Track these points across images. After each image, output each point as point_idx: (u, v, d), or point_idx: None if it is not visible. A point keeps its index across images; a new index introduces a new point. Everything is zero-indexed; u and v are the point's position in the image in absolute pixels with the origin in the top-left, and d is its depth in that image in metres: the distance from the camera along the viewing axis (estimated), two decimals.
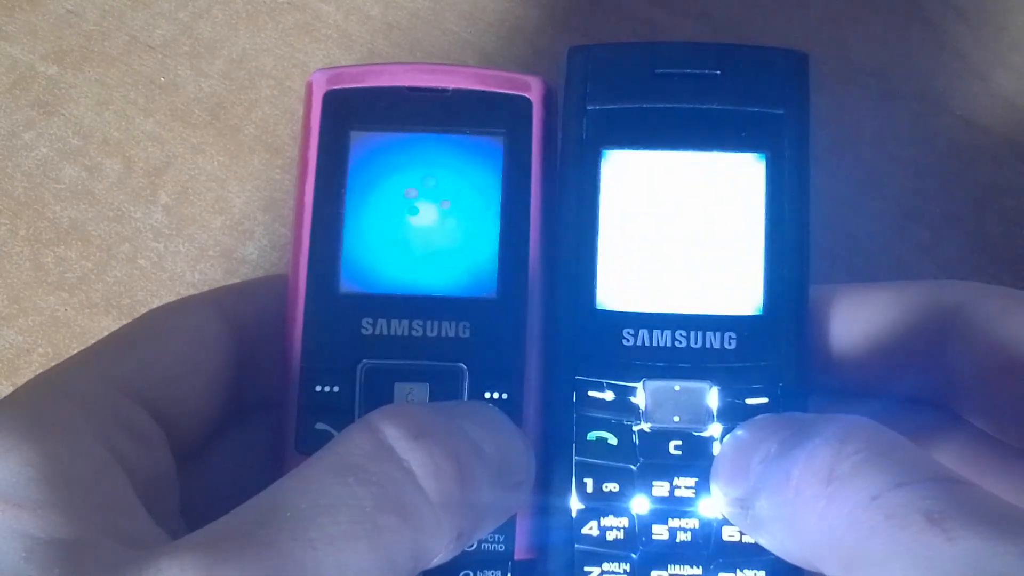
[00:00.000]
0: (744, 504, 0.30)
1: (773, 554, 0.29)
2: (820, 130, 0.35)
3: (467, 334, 0.34)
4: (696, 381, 0.33)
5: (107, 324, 0.46)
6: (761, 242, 0.34)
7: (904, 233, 0.46)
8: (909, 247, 0.46)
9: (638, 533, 0.33)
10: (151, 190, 0.48)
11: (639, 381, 0.33)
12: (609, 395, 0.33)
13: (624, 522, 0.33)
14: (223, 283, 0.47)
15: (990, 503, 0.25)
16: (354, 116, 0.35)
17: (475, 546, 0.33)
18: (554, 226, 0.35)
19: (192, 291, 0.46)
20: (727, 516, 0.31)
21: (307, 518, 0.25)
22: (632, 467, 0.33)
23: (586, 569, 0.33)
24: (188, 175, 0.48)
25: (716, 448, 0.33)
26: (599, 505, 0.33)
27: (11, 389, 0.39)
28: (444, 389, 0.33)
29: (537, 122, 0.35)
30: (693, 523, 0.33)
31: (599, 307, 0.34)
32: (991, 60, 0.48)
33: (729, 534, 0.33)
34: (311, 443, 0.32)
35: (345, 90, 0.35)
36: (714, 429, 0.33)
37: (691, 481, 0.33)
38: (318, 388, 0.33)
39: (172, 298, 0.45)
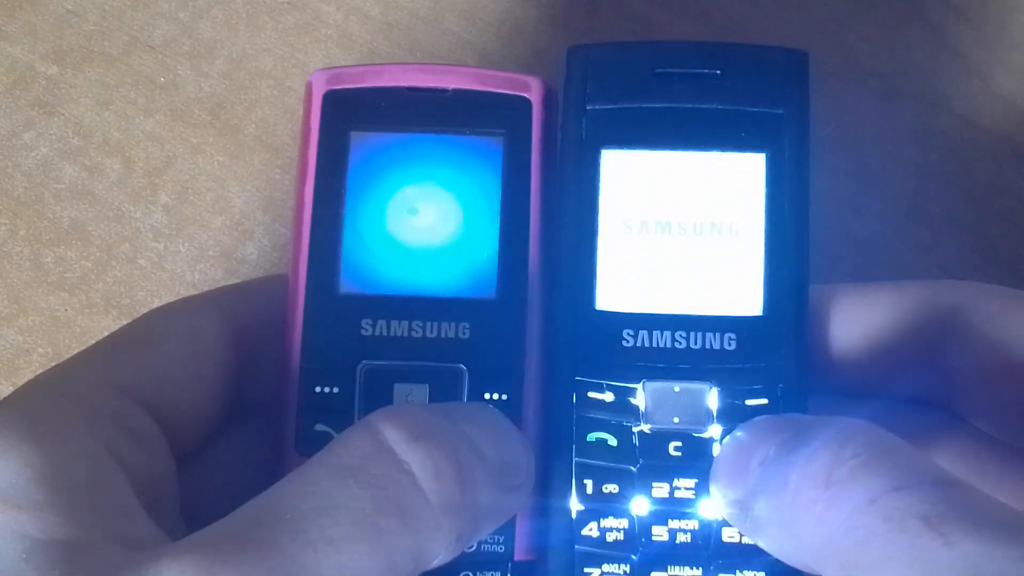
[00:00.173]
0: (743, 506, 0.30)
1: (772, 556, 0.29)
2: (820, 130, 0.35)
3: (466, 335, 0.34)
4: (696, 382, 0.33)
5: (107, 324, 0.46)
6: (761, 242, 0.34)
7: (904, 233, 0.46)
8: (909, 247, 0.46)
9: (638, 534, 0.33)
10: (151, 190, 0.48)
11: (639, 382, 0.33)
12: (609, 396, 0.33)
13: (624, 523, 0.33)
14: (223, 283, 0.47)
15: (988, 507, 0.25)
16: (354, 116, 0.35)
17: (475, 547, 0.33)
18: (554, 227, 0.35)
19: (192, 291, 0.46)
20: (726, 517, 0.31)
21: (307, 520, 0.25)
22: (632, 468, 0.33)
23: (586, 570, 0.33)
24: (188, 175, 0.48)
25: (716, 449, 0.33)
26: (599, 506, 0.33)
27: (11, 389, 0.39)
28: (444, 390, 0.33)
29: (537, 122, 0.35)
30: (693, 524, 0.33)
31: (599, 308, 0.34)
32: (991, 60, 0.48)
33: (729, 535, 0.33)
34: (311, 444, 0.32)
35: (345, 90, 0.35)
36: (714, 430, 0.33)
37: (691, 482, 0.33)
38: (317, 389, 0.33)
39: (172, 298, 0.45)
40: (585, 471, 0.33)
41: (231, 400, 0.34)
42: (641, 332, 0.34)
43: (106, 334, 0.33)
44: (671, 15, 0.49)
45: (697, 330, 0.34)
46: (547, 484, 0.33)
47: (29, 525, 0.25)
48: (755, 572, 0.33)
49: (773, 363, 0.34)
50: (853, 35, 0.48)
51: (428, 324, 0.34)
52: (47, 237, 0.47)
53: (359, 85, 0.35)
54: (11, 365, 0.46)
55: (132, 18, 0.50)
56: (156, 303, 0.46)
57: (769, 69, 0.35)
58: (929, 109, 0.47)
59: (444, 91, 0.35)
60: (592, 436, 0.33)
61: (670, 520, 0.33)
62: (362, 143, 0.35)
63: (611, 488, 0.33)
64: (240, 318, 0.35)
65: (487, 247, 0.34)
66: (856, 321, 0.35)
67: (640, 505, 0.33)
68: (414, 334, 0.34)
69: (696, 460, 0.33)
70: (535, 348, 0.34)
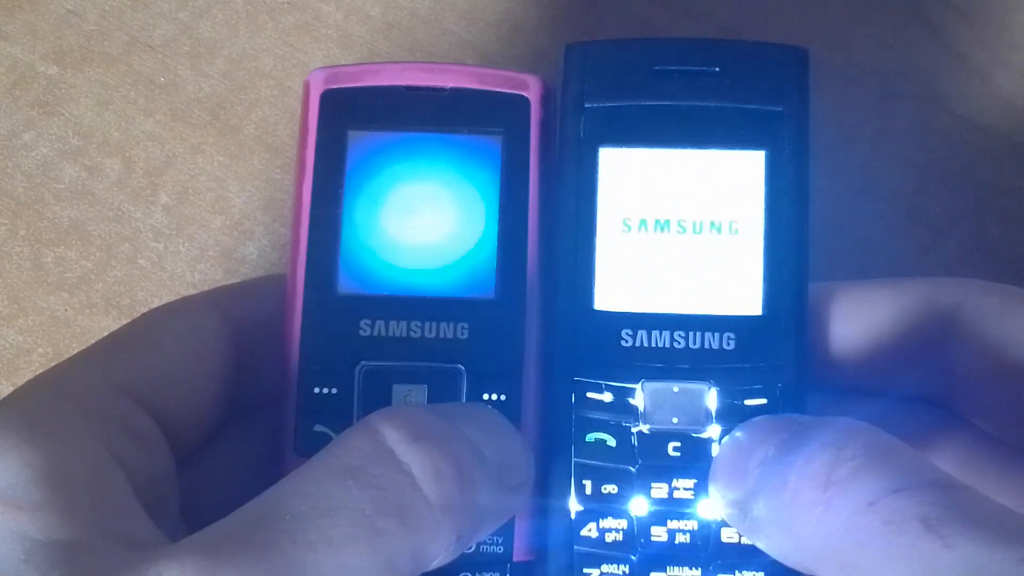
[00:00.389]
0: (742, 507, 0.30)
1: (771, 556, 0.29)
2: (820, 129, 0.35)
3: (465, 335, 0.34)
4: (695, 382, 0.33)
5: (107, 324, 0.46)
6: (760, 241, 0.34)
7: (904, 233, 0.46)
8: (909, 247, 0.46)
9: (637, 535, 0.33)
10: (151, 190, 0.48)
11: (638, 382, 0.33)
12: (608, 396, 0.33)
13: (623, 524, 0.33)
14: (223, 283, 0.47)
15: (987, 508, 0.25)
16: (352, 116, 0.35)
17: (474, 548, 0.33)
18: (553, 226, 0.35)
19: (192, 291, 0.46)
20: (725, 518, 0.31)
21: (307, 521, 0.25)
22: (631, 468, 0.33)
23: (585, 571, 0.33)
24: (188, 175, 0.48)
25: (715, 449, 0.33)
26: (598, 507, 0.33)
27: (11, 389, 0.39)
28: (442, 390, 0.33)
29: (535, 121, 0.35)
30: (692, 525, 0.33)
31: (597, 308, 0.34)
32: (991, 60, 0.48)
33: (728, 536, 0.33)
34: (310, 445, 0.32)
35: (343, 89, 0.35)
36: (713, 430, 0.33)
37: (690, 483, 0.33)
38: (316, 390, 0.33)
39: (172, 298, 0.45)
40: (584, 471, 0.33)
41: (231, 400, 0.34)
42: (640, 332, 0.34)
43: (106, 334, 0.33)
44: (671, 14, 0.49)
45: (696, 330, 0.34)
46: (546, 485, 0.33)
47: (29, 526, 0.25)
48: (754, 573, 0.33)
49: (772, 363, 0.33)
50: (853, 35, 0.48)
51: (427, 324, 0.34)
52: (47, 237, 0.47)
53: (357, 84, 0.35)
54: (11, 365, 0.46)
55: (132, 18, 0.50)
56: (156, 303, 0.46)
57: (769, 66, 0.35)
58: (929, 109, 0.47)
59: (442, 90, 0.35)
60: (591, 436, 0.33)
61: (669, 520, 0.33)
62: (360, 142, 0.35)
63: (610, 488, 0.33)
64: (240, 318, 0.35)
65: (485, 247, 0.34)
66: (855, 320, 0.35)
67: (639, 505, 0.33)
68: (413, 334, 0.34)
69: (695, 460, 0.33)
70: (534, 348, 0.34)
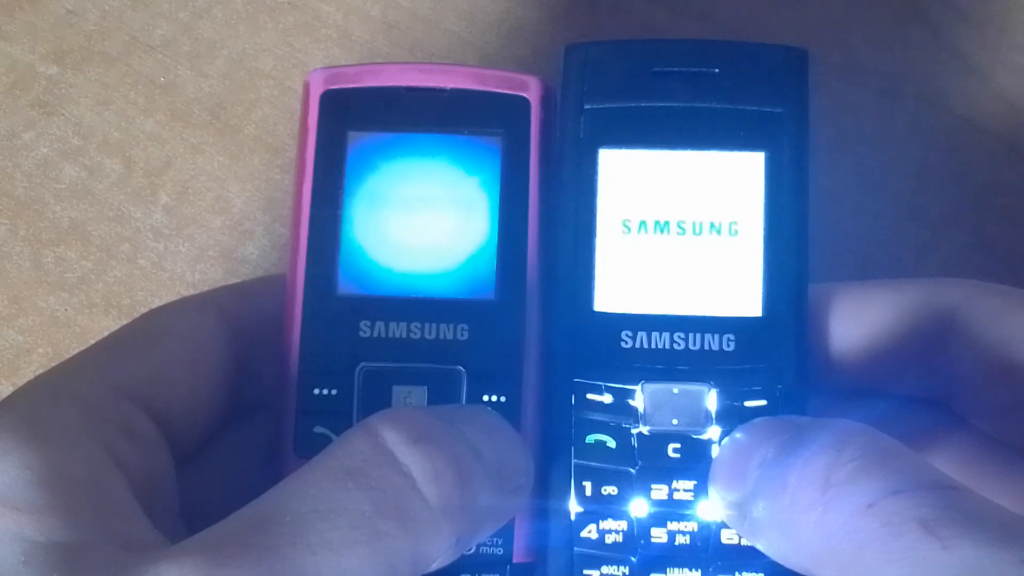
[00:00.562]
0: (742, 508, 0.30)
1: (771, 558, 0.29)
2: (820, 130, 0.35)
3: (465, 336, 0.34)
4: (695, 383, 0.33)
5: (107, 324, 0.46)
6: (760, 242, 0.34)
7: (904, 233, 0.46)
8: (909, 247, 0.46)
9: (637, 536, 0.33)
10: (151, 190, 0.48)
11: (638, 383, 0.33)
12: (607, 398, 0.33)
13: (623, 525, 0.33)
14: (223, 283, 0.47)
15: (986, 510, 0.25)
16: (352, 116, 0.35)
17: (474, 549, 0.33)
18: (552, 227, 0.35)
19: (192, 291, 0.46)
20: (725, 519, 0.31)
21: (307, 523, 0.25)
22: (631, 470, 0.33)
23: (585, 572, 0.33)
24: (188, 175, 0.48)
25: (715, 451, 0.33)
26: (598, 508, 0.33)
27: (11, 389, 0.39)
28: (442, 392, 0.33)
29: (535, 122, 0.35)
30: (692, 526, 0.33)
31: (597, 309, 0.34)
32: (991, 60, 0.48)
33: (728, 537, 0.33)
34: (309, 446, 0.32)
35: (342, 90, 0.35)
36: (713, 432, 0.33)
37: (690, 484, 0.33)
38: (316, 391, 0.33)
39: (172, 298, 0.45)
40: (584, 473, 0.33)
41: (230, 400, 0.34)
42: (640, 333, 0.34)
43: (106, 334, 0.33)
44: (671, 15, 0.49)
45: (696, 331, 0.34)
46: (546, 486, 0.33)
47: (28, 528, 0.26)
48: (754, 574, 0.32)
49: (772, 364, 0.33)
50: (853, 35, 0.48)
51: (426, 326, 0.34)
52: (47, 237, 0.47)
53: (357, 85, 0.35)
54: (11, 365, 0.46)
55: (132, 18, 0.50)
56: (156, 303, 0.46)
57: (768, 67, 0.35)
58: (929, 109, 0.47)
59: (442, 91, 0.35)
60: (591, 438, 0.33)
61: (669, 522, 0.33)
62: (360, 143, 0.35)
63: (610, 490, 0.33)
64: (239, 318, 0.35)
65: (485, 248, 0.34)
66: (855, 321, 0.35)
67: (639, 507, 0.33)
68: (412, 336, 0.34)
69: (695, 462, 0.33)
70: (534, 350, 0.34)
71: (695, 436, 0.33)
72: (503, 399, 0.33)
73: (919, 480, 0.26)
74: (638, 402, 0.33)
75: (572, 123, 0.35)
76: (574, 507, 0.33)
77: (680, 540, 0.33)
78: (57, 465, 0.27)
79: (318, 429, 0.33)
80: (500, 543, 0.33)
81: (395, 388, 0.33)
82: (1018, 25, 0.48)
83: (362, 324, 0.34)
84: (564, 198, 0.35)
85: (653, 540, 0.33)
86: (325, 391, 0.33)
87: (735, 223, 0.34)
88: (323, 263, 0.34)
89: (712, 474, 0.31)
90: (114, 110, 0.49)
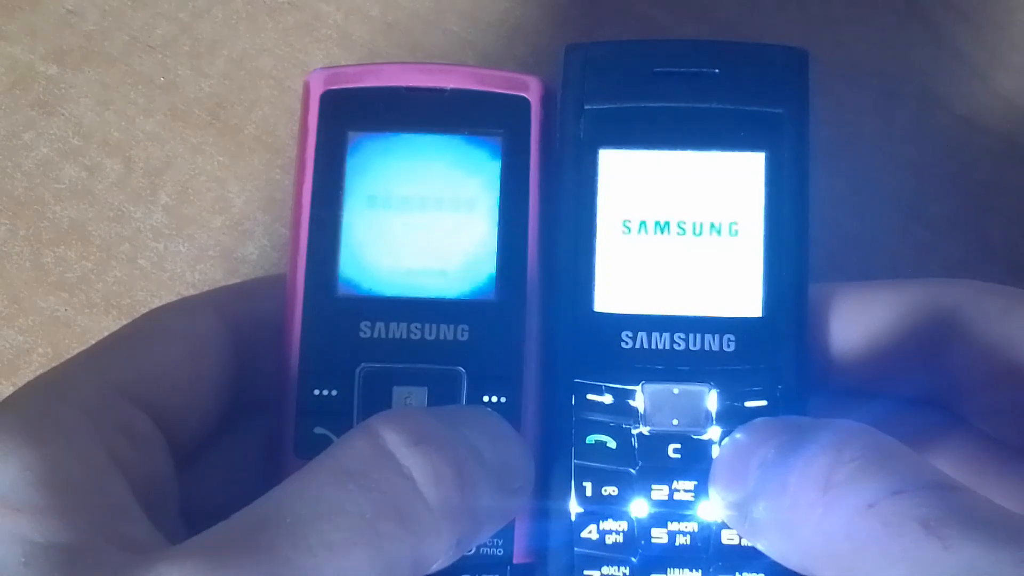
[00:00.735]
0: (742, 508, 0.30)
1: (771, 558, 0.29)
2: (820, 130, 0.35)
3: (465, 337, 0.34)
4: (695, 384, 0.33)
5: (107, 324, 0.46)
6: (760, 243, 0.34)
7: (904, 233, 0.46)
8: (909, 247, 0.46)
9: (637, 536, 0.33)
10: (151, 190, 0.48)
11: (638, 384, 0.33)
12: (608, 398, 0.33)
13: (623, 525, 0.33)
14: (223, 283, 0.47)
15: (987, 510, 0.25)
16: (352, 116, 0.35)
17: (474, 550, 0.32)
18: (553, 228, 0.35)
19: (192, 291, 0.46)
20: (725, 520, 0.31)
21: (307, 524, 0.25)
22: (631, 470, 0.33)
23: (585, 573, 0.33)
24: (188, 175, 0.48)
25: (715, 451, 0.33)
26: (598, 508, 0.33)
27: (11, 389, 0.39)
28: (442, 393, 0.33)
29: (536, 122, 0.35)
30: (692, 526, 0.33)
31: (597, 309, 0.34)
32: (991, 60, 0.48)
33: (728, 537, 0.33)
34: (309, 447, 0.32)
35: (343, 90, 0.35)
36: (713, 432, 0.33)
37: (690, 484, 0.33)
38: (316, 392, 0.33)
39: (172, 298, 0.45)
40: (584, 473, 0.33)
41: (230, 401, 0.34)
42: (640, 334, 0.34)
43: (106, 334, 0.33)
44: (671, 15, 0.49)
45: (696, 331, 0.34)
46: (546, 487, 0.33)
47: (28, 529, 0.25)
48: (754, 574, 0.33)
49: (773, 364, 0.33)
50: (853, 35, 0.48)
51: (427, 326, 0.34)
52: (47, 237, 0.47)
53: (357, 85, 0.35)
54: (11, 365, 0.46)
55: (132, 18, 0.50)
56: (156, 303, 0.46)
57: (769, 68, 0.35)
58: (929, 109, 0.47)
59: (442, 91, 0.35)
60: (591, 438, 0.33)
61: (669, 522, 0.33)
62: (360, 143, 0.35)
63: (610, 490, 0.33)
64: (239, 318, 0.35)
65: (486, 249, 0.34)
66: (856, 321, 0.35)
67: (639, 507, 0.33)
68: (413, 336, 0.34)
69: (695, 462, 0.33)
70: (534, 350, 0.34)
71: (695, 436, 0.33)
72: (503, 400, 0.33)
73: (920, 480, 0.26)
74: (638, 402, 0.33)
75: (572, 123, 0.35)
76: (574, 507, 0.33)
77: (680, 541, 0.33)
78: (57, 466, 0.27)
79: (318, 430, 0.33)
80: (500, 544, 0.33)
81: (395, 389, 0.33)
82: (1018, 25, 0.48)
83: (362, 324, 0.34)
84: (564, 198, 0.35)
85: (653, 541, 0.33)
86: (325, 392, 0.33)
87: (735, 223, 0.34)
88: (323, 263, 0.34)
89: (712, 474, 0.31)
90: (114, 110, 0.49)
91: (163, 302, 0.36)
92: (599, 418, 0.33)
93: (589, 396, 0.33)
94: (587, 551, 0.33)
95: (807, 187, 0.34)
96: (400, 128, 0.35)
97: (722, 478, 0.31)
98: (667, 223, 0.34)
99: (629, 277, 0.34)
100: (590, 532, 0.33)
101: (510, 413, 0.33)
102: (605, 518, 0.33)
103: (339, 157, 0.35)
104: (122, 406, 0.30)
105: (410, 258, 0.34)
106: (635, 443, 0.33)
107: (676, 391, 0.33)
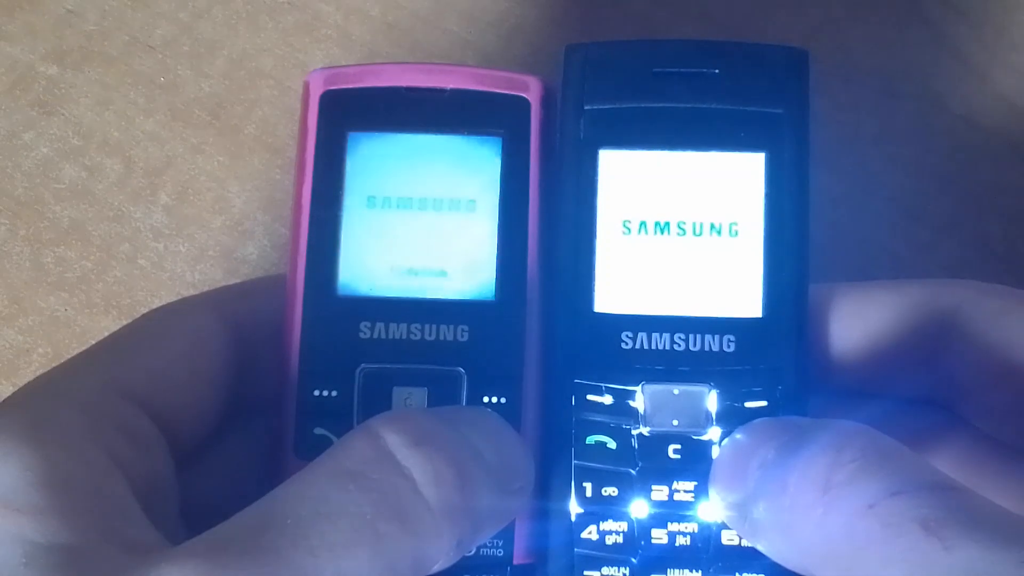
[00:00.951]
0: (742, 509, 0.30)
1: (771, 559, 0.29)
2: (820, 130, 0.35)
3: (465, 338, 0.33)
4: (695, 384, 0.33)
5: (107, 324, 0.46)
6: (760, 243, 0.34)
7: (904, 233, 0.46)
8: (909, 247, 0.46)
9: (637, 537, 0.33)
10: (151, 190, 0.48)
11: (638, 384, 0.33)
12: (608, 399, 0.33)
13: (623, 526, 0.33)
14: (223, 283, 0.47)
15: (987, 510, 0.25)
16: (351, 117, 0.35)
17: (474, 551, 0.32)
18: (553, 228, 0.35)
19: (192, 291, 0.46)
20: (725, 520, 0.31)
21: (308, 525, 0.25)
22: (631, 471, 0.33)
23: (585, 573, 0.33)
24: (188, 175, 0.48)
25: (715, 452, 0.33)
26: (598, 509, 0.33)
27: (11, 389, 0.39)
28: (442, 393, 0.33)
29: (536, 123, 0.35)
30: (692, 527, 0.33)
31: (597, 310, 0.34)
32: (991, 60, 0.48)
33: (728, 538, 0.33)
34: (310, 448, 0.32)
35: (342, 90, 0.35)
36: (713, 433, 0.33)
37: (690, 485, 0.33)
38: (316, 392, 0.33)
39: (172, 298, 0.45)
40: (584, 474, 0.33)
41: (230, 401, 0.34)
42: (640, 334, 0.34)
43: (106, 334, 0.33)
44: (671, 15, 0.49)
45: (696, 332, 0.34)
46: (546, 487, 0.33)
47: (29, 529, 0.26)
48: (754, 575, 0.33)
49: (773, 365, 0.33)
50: (853, 35, 0.48)
51: (427, 327, 0.34)
52: (47, 237, 0.47)
53: (357, 85, 0.35)
54: (11, 365, 0.46)
55: (132, 18, 0.50)
56: (156, 303, 0.46)
57: (769, 68, 0.35)
58: (929, 109, 0.47)
59: (442, 91, 0.35)
60: (591, 439, 0.33)
61: (669, 523, 0.33)
62: (360, 143, 0.35)
63: (610, 491, 0.33)
64: (239, 318, 0.35)
65: (486, 249, 0.34)
66: (856, 321, 0.35)
67: (639, 508, 0.33)
68: (413, 337, 0.34)
69: (695, 463, 0.33)
70: (534, 351, 0.34)
71: (695, 437, 0.33)
72: (503, 400, 0.33)
73: (920, 481, 0.26)
74: (638, 403, 0.33)
75: (572, 123, 0.35)
76: (574, 508, 0.33)
77: (680, 541, 0.33)
78: (58, 466, 0.27)
79: (318, 430, 0.33)
80: (501, 544, 0.33)
81: (395, 389, 0.33)
82: (1018, 25, 0.48)
83: (362, 325, 0.34)
84: (564, 199, 0.35)
85: (653, 541, 0.33)
86: (325, 392, 0.33)
87: (735, 224, 0.34)
88: (323, 263, 0.34)
89: (712, 475, 0.32)
90: (114, 110, 0.49)
91: (163, 302, 0.36)
92: (599, 419, 0.33)
93: (589, 396, 0.33)
94: (587, 552, 0.33)
95: (807, 187, 0.34)
96: (400, 128, 0.35)
97: (722, 479, 0.31)
98: (667, 223, 0.34)
99: (629, 277, 0.34)
100: (590, 533, 0.33)
101: (510, 414, 0.33)
102: (605, 519, 0.33)
103: (339, 157, 0.35)
104: (122, 406, 0.30)
105: (410, 258, 0.34)
106: (635, 444, 0.33)
107: (676, 392, 0.33)
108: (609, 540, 0.33)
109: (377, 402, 0.33)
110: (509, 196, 0.34)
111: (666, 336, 0.34)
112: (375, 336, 0.34)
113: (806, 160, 0.34)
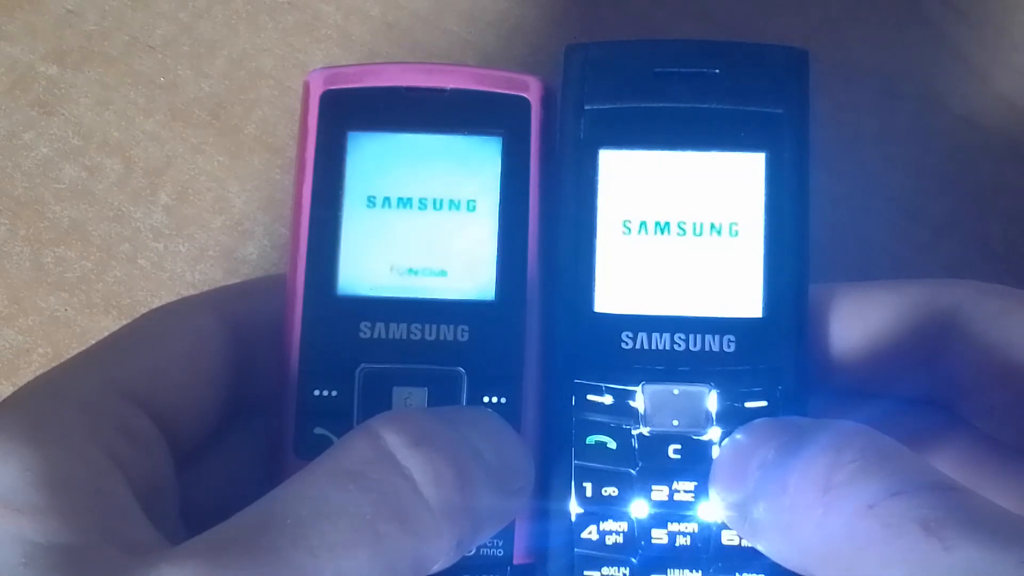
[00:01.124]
0: (742, 509, 0.30)
1: (772, 559, 0.29)
2: (820, 130, 0.35)
3: (465, 338, 0.33)
4: (695, 384, 0.33)
5: (107, 324, 0.46)
6: (760, 243, 0.34)
7: (904, 233, 0.46)
8: (909, 247, 0.46)
9: (637, 537, 0.33)
10: (151, 190, 0.48)
11: (638, 384, 0.33)
12: (608, 399, 0.33)
13: (623, 526, 0.33)
14: (223, 283, 0.47)
15: (987, 511, 0.25)
16: (351, 117, 0.35)
17: (474, 551, 0.32)
18: (553, 228, 0.35)
19: (192, 291, 0.46)
20: (725, 520, 0.31)
21: (308, 525, 0.25)
22: (631, 471, 0.33)
23: (585, 573, 0.33)
24: (188, 175, 0.48)
25: (715, 452, 0.33)
26: (598, 509, 0.33)
27: (11, 389, 0.39)
28: (442, 393, 0.33)
29: (536, 123, 0.35)
30: (692, 527, 0.33)
31: (597, 310, 0.34)
32: (991, 60, 0.48)
33: (728, 538, 0.33)
34: (309, 448, 0.32)
35: (342, 90, 0.35)
36: (713, 433, 0.33)
37: (690, 485, 0.33)
38: (316, 392, 0.33)
39: (172, 298, 0.45)
40: (584, 474, 0.33)
41: (230, 401, 0.34)
42: (640, 334, 0.34)
43: (106, 334, 0.33)
44: (671, 15, 0.49)
45: (696, 332, 0.34)
46: (546, 487, 0.33)
47: (29, 529, 0.25)
48: (754, 575, 0.33)
49: (773, 365, 0.33)
50: (853, 35, 0.48)
51: (427, 327, 0.34)
52: (47, 237, 0.47)
53: (357, 85, 0.35)
54: (11, 365, 0.46)
55: (132, 18, 0.50)
56: (156, 303, 0.46)
57: (769, 68, 0.35)
58: (929, 109, 0.47)
59: (442, 91, 0.35)
60: (591, 439, 0.33)
61: (670, 523, 0.33)
62: (360, 143, 0.35)
63: (610, 491, 0.33)
64: (239, 318, 0.35)
65: (486, 249, 0.34)
66: (856, 321, 0.35)
67: (639, 508, 0.33)
68: (413, 337, 0.34)
69: (696, 463, 0.33)
70: (534, 351, 0.34)
71: (696, 437, 0.33)
72: (503, 400, 0.33)
73: (920, 481, 0.26)
74: (638, 403, 0.33)
75: (572, 123, 0.35)
76: (574, 508, 0.33)
77: (681, 541, 0.33)
78: (58, 466, 0.27)
79: (318, 430, 0.33)
80: (501, 544, 0.33)
81: (395, 389, 0.33)
82: (1018, 25, 0.48)
83: (362, 325, 0.34)
84: (564, 199, 0.35)
85: (654, 541, 0.33)
86: (325, 392, 0.33)
87: (735, 224, 0.34)
88: (323, 263, 0.34)
89: (712, 475, 0.32)
90: (114, 110, 0.49)
91: (163, 302, 0.36)
92: (599, 419, 0.33)
93: (589, 396, 0.33)
94: (587, 552, 0.33)
95: (807, 187, 0.34)
96: (400, 128, 0.35)
97: (722, 479, 0.31)
98: (667, 223, 0.34)
99: (629, 277, 0.34)
100: (590, 533, 0.33)
101: (510, 414, 0.33)
102: (605, 519, 0.33)
103: (339, 157, 0.35)
104: (122, 406, 0.30)
105: (410, 258, 0.34)
106: (635, 444, 0.33)
107: (676, 392, 0.33)
108: (609, 540, 0.33)
109: (377, 402, 0.33)
110: (509, 196, 0.34)
111: (666, 336, 0.34)
112: (375, 336, 0.34)
113: (806, 160, 0.34)
